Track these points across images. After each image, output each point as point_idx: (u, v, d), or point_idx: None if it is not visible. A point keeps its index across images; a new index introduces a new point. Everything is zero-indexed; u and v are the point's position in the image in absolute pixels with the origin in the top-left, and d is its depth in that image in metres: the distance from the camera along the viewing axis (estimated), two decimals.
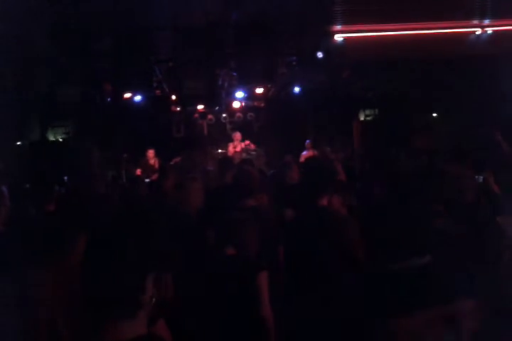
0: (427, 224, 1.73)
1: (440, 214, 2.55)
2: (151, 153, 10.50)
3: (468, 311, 1.60)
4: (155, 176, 8.56)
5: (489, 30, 9.44)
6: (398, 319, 1.56)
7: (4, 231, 2.72)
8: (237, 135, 11.46)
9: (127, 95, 11.75)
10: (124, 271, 1.28)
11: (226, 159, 5.38)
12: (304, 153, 11.23)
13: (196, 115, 13.59)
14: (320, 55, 10.01)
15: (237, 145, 11.33)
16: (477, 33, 9.51)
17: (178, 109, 13.43)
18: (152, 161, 10.47)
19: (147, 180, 7.74)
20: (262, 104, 13.71)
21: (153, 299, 1.33)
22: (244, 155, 10.98)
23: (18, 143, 12.28)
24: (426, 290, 1.60)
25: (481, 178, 4.26)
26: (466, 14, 9.29)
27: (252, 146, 11.32)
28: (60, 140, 13.07)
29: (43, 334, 1.86)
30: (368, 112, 13.76)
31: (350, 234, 2.96)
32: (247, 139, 11.65)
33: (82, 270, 1.32)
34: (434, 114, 12.85)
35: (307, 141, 11.49)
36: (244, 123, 13.61)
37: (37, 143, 12.18)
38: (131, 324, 1.29)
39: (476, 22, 9.42)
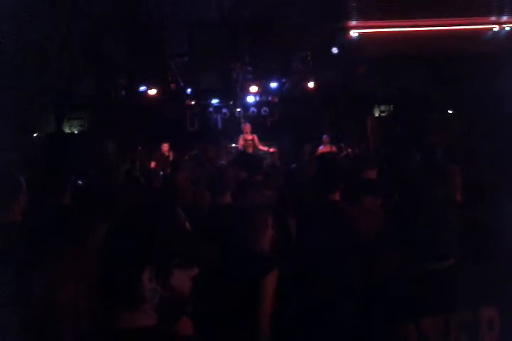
0: (451, 223, 1.66)
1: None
2: (165, 146, 10.58)
3: (489, 319, 1.55)
4: (169, 169, 8.64)
5: (507, 27, 9.34)
6: (409, 323, 1.53)
7: (22, 221, 2.77)
8: (247, 126, 11.48)
9: (142, 88, 11.83)
10: (123, 262, 1.31)
11: (242, 154, 5.40)
12: (321, 147, 11.17)
13: (211, 109, 13.64)
14: (335, 50, 9.98)
15: (247, 137, 11.36)
16: (495, 29, 9.41)
17: (193, 102, 13.49)
18: (167, 154, 10.55)
19: (161, 173, 7.80)
20: (276, 99, 13.70)
21: (157, 294, 1.33)
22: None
23: (35, 134, 12.43)
24: (444, 295, 1.56)
25: None
26: (484, 11, 9.20)
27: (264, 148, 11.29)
28: (76, 132, 13.21)
29: (63, 324, 1.90)
30: (382, 108, 13.70)
31: (362, 231, 2.99)
32: (261, 134, 11.66)
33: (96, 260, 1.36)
34: (450, 111, 12.76)
35: (324, 135, 11.39)
36: (259, 118, 13.63)
37: (53, 135, 12.33)
38: (132, 315, 1.31)
39: (493, 19, 9.33)
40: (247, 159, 4.89)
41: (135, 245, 1.31)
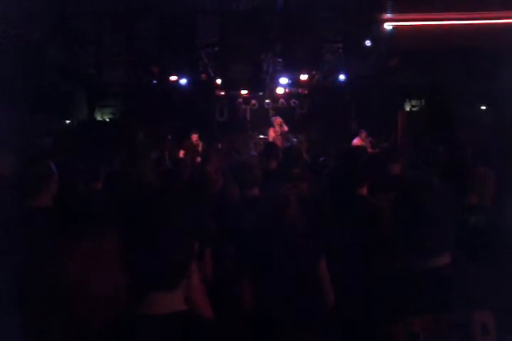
0: (452, 221, 1.62)
1: (473, 209, 2.50)
2: (194, 137, 10.68)
3: (483, 323, 1.50)
4: (199, 158, 8.73)
5: None
6: (400, 320, 1.52)
7: (53, 206, 2.80)
8: (278, 119, 11.46)
9: (173, 78, 11.91)
10: (175, 243, 1.30)
11: (271, 145, 5.40)
12: (355, 140, 11.04)
13: (240, 100, 13.66)
14: (368, 42, 9.86)
15: (278, 130, 11.34)
16: None
17: (222, 93, 13.53)
18: (196, 144, 10.65)
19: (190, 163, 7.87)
20: (306, 91, 13.64)
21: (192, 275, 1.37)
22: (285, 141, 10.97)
23: (68, 121, 12.67)
24: (435, 294, 1.53)
25: None
26: None
27: (285, 128, 11.25)
28: (107, 120, 13.41)
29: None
30: (414, 102, 13.50)
31: (387, 226, 2.98)
32: (289, 126, 11.64)
33: (127, 243, 1.33)
34: (483, 107, 12.49)
35: (362, 130, 11.21)
36: (287, 110, 13.60)
37: (85, 122, 12.54)
38: (169, 299, 1.30)
39: None
40: (287, 151, 4.91)
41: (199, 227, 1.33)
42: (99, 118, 13.43)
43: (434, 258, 1.59)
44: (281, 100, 13.64)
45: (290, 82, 12.35)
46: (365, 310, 1.64)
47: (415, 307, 1.53)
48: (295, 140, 11.69)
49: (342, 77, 11.99)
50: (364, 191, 3.25)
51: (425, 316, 1.51)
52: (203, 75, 12.44)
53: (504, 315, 1.53)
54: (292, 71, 11.89)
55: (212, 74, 12.47)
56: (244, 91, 13.51)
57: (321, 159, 5.97)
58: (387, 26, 9.17)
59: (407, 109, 13.41)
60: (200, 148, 10.41)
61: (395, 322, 1.52)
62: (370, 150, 9.15)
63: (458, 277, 1.58)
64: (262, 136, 12.29)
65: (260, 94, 13.76)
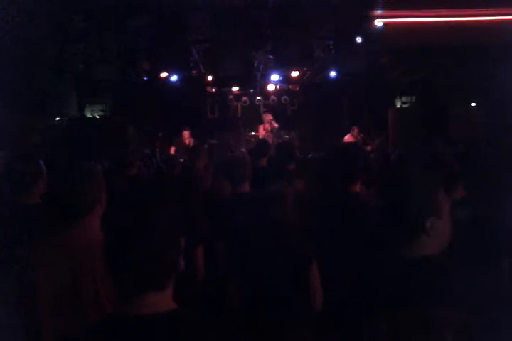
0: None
1: (465, 203, 2.49)
2: (186, 134, 10.65)
3: (450, 321, 1.48)
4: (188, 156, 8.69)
5: None
6: (380, 314, 1.51)
7: (41, 204, 2.79)
8: (268, 116, 11.49)
9: (164, 74, 11.85)
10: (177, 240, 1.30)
11: (262, 142, 5.38)
12: (346, 137, 11.10)
13: (231, 97, 13.64)
14: (358, 39, 9.85)
15: (268, 127, 11.37)
16: None
17: (213, 90, 13.49)
18: (187, 141, 10.63)
19: (181, 160, 7.84)
20: (297, 88, 13.64)
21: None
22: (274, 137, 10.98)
23: (57, 119, 12.56)
24: (403, 288, 1.53)
25: None
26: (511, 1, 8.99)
27: (275, 125, 11.29)
28: (97, 117, 13.32)
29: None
30: (404, 99, 13.53)
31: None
32: (280, 123, 11.64)
33: (111, 240, 1.31)
34: (473, 104, 12.56)
35: (354, 127, 11.26)
36: (279, 107, 13.60)
37: (75, 120, 12.43)
38: (160, 297, 1.28)
39: None
40: (279, 147, 4.89)
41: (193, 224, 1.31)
42: (89, 115, 13.33)
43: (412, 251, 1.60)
44: (273, 97, 13.63)
45: (281, 78, 12.34)
46: (347, 304, 1.64)
47: (396, 301, 1.53)
48: (286, 137, 11.70)
49: (333, 73, 11.99)
50: (357, 188, 3.24)
51: (405, 310, 1.50)
52: (194, 72, 12.39)
53: (484, 311, 1.53)
54: (283, 68, 11.87)
55: (203, 71, 12.42)
56: (235, 88, 13.48)
57: (310, 156, 5.94)
58: (378, 23, 9.17)
59: (398, 105, 13.45)
60: (191, 146, 10.38)
61: (375, 316, 1.52)
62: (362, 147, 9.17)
63: (437, 273, 1.58)
64: (253, 133, 12.29)
65: (251, 90, 13.73)
